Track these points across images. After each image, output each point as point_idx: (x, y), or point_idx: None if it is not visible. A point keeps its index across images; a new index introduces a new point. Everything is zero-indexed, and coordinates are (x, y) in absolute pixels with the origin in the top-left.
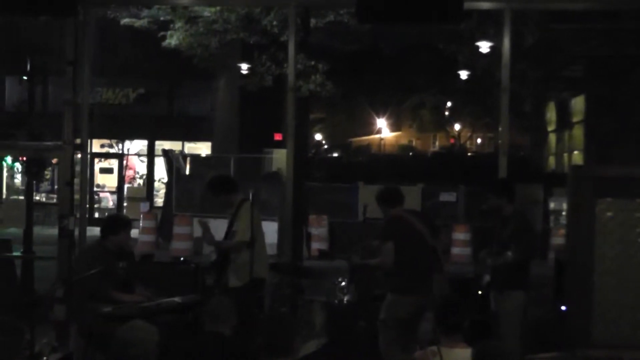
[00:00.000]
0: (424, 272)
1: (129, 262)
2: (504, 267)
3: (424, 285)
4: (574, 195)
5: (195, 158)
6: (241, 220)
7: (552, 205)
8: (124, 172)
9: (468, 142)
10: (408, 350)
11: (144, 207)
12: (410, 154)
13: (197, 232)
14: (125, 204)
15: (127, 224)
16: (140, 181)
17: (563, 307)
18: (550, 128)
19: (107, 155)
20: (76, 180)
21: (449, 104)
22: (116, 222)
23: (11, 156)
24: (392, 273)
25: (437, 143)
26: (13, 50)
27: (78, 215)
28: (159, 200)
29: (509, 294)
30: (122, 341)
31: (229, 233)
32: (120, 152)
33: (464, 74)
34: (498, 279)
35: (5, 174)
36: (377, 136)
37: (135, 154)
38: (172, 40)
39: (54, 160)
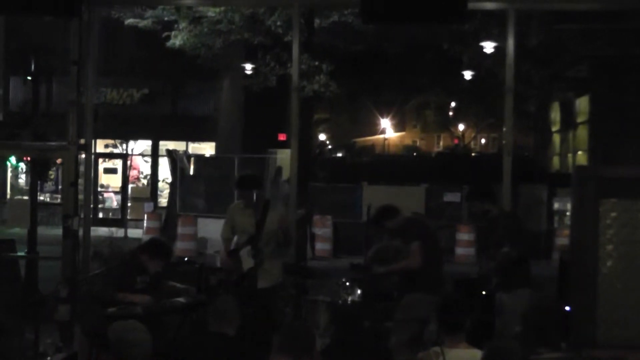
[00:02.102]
0: (441, 271)
1: (153, 278)
2: (507, 266)
3: (442, 284)
4: (578, 195)
5: (199, 158)
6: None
7: (556, 205)
8: (128, 172)
9: (472, 143)
10: (418, 350)
11: (148, 207)
12: (414, 154)
13: (201, 232)
14: (129, 204)
15: (168, 255)
16: (144, 181)
17: (567, 308)
18: (555, 128)
19: (111, 156)
20: (80, 181)
21: (453, 104)
22: (158, 248)
23: (15, 156)
24: (416, 273)
25: (441, 143)
26: (17, 51)
27: (82, 216)
28: (163, 201)
29: (515, 293)
30: (121, 342)
31: (260, 231)
32: (124, 152)
33: (468, 75)
34: (503, 279)
35: (9, 174)
36: (381, 136)
37: (139, 154)
38: (177, 40)
39: (58, 161)
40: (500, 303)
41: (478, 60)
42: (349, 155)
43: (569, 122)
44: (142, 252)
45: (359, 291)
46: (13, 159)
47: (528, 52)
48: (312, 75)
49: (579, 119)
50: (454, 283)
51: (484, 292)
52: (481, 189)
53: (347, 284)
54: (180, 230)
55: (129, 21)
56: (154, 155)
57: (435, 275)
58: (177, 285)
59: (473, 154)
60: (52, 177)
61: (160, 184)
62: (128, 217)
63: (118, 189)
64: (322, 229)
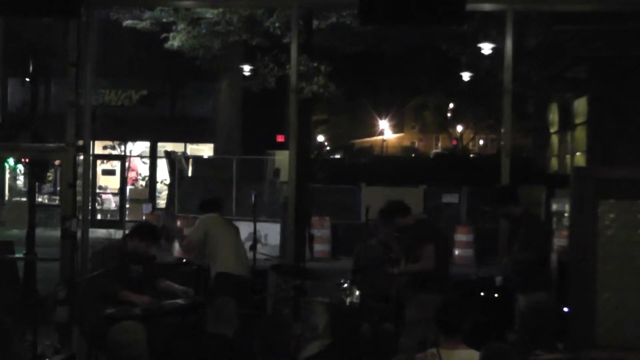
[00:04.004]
0: (450, 273)
1: (146, 267)
2: (524, 268)
3: (452, 285)
4: (577, 196)
5: (198, 159)
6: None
7: (554, 206)
8: (126, 174)
9: (470, 144)
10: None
11: (147, 208)
12: (413, 155)
13: None
14: (127, 206)
15: (157, 237)
16: (143, 183)
17: (566, 309)
18: (553, 129)
19: (109, 157)
20: (78, 182)
21: (451, 105)
22: (146, 230)
23: (14, 158)
24: (428, 274)
25: (439, 144)
26: (16, 52)
27: (80, 217)
28: (162, 202)
29: (531, 295)
30: (114, 343)
31: None
32: (123, 153)
33: (466, 76)
34: (520, 281)
35: (7, 175)
36: (379, 137)
37: (138, 156)
38: (175, 41)
39: (57, 162)
40: (516, 304)
41: (477, 61)
42: (348, 156)
43: (567, 123)
44: (131, 237)
45: (357, 292)
46: (11, 161)
47: (526, 53)
48: (311, 77)
49: (578, 120)
50: (453, 284)
51: (482, 293)
52: (505, 192)
53: (346, 285)
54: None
55: (127, 22)
56: (153, 156)
57: (445, 276)
58: (175, 286)
59: (471, 155)
60: (50, 178)
61: (158, 186)
62: (126, 219)
63: (116, 191)
64: (321, 230)
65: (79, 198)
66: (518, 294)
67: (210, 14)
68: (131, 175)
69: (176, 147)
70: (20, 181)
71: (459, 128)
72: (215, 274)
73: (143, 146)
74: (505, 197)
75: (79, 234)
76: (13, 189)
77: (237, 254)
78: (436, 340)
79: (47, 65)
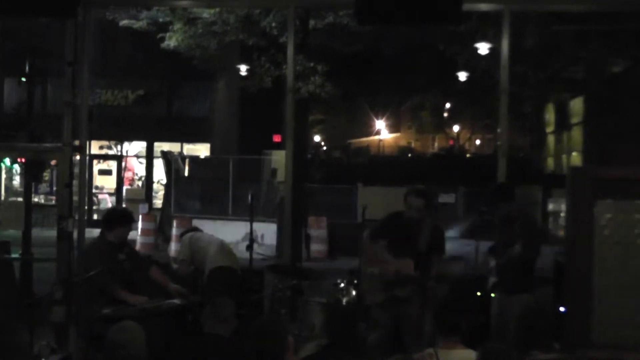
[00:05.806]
0: None
1: (129, 255)
2: (511, 269)
3: None
4: (573, 196)
5: (194, 159)
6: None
7: (551, 206)
8: (122, 174)
9: (467, 144)
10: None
11: (143, 208)
12: (410, 155)
13: None
14: (124, 206)
15: (131, 218)
16: (139, 183)
17: (562, 309)
18: (550, 129)
19: (106, 157)
20: (75, 182)
21: (448, 105)
22: (122, 215)
23: (10, 158)
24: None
25: (436, 144)
26: (12, 52)
27: (77, 217)
28: (158, 202)
29: (517, 297)
30: (111, 343)
31: None
32: (119, 153)
33: (463, 76)
34: (505, 281)
35: (4, 175)
36: (376, 137)
37: (134, 156)
38: (171, 41)
39: (53, 162)
40: (500, 304)
41: (473, 61)
42: (345, 156)
43: (564, 123)
44: (110, 228)
45: (354, 292)
46: (7, 161)
47: (523, 53)
48: (308, 77)
49: (574, 120)
50: (450, 284)
51: (479, 293)
52: (505, 189)
53: (342, 285)
54: (175, 231)
55: (124, 22)
56: (149, 156)
57: None
58: (166, 278)
59: (468, 155)
60: (46, 178)
61: (155, 186)
62: None
63: (113, 191)
64: (318, 230)
65: (75, 198)
66: (502, 294)
67: (206, 13)
68: (128, 175)
69: (173, 147)
70: (17, 181)
71: (456, 128)
72: (208, 272)
73: (139, 146)
74: (503, 195)
75: (75, 234)
76: (9, 189)
77: (222, 250)
78: (432, 339)
79: (44, 65)
